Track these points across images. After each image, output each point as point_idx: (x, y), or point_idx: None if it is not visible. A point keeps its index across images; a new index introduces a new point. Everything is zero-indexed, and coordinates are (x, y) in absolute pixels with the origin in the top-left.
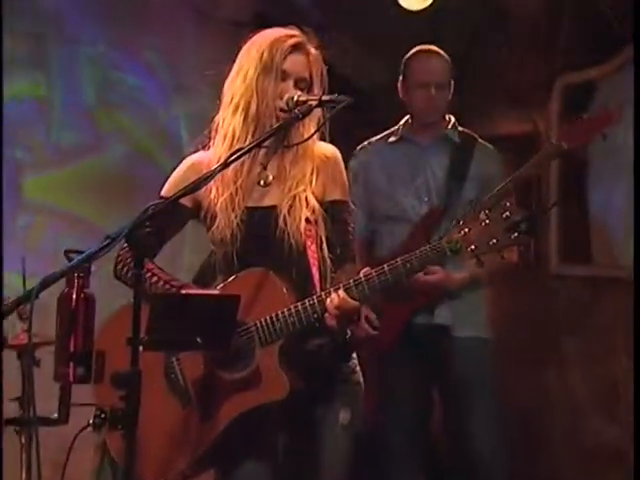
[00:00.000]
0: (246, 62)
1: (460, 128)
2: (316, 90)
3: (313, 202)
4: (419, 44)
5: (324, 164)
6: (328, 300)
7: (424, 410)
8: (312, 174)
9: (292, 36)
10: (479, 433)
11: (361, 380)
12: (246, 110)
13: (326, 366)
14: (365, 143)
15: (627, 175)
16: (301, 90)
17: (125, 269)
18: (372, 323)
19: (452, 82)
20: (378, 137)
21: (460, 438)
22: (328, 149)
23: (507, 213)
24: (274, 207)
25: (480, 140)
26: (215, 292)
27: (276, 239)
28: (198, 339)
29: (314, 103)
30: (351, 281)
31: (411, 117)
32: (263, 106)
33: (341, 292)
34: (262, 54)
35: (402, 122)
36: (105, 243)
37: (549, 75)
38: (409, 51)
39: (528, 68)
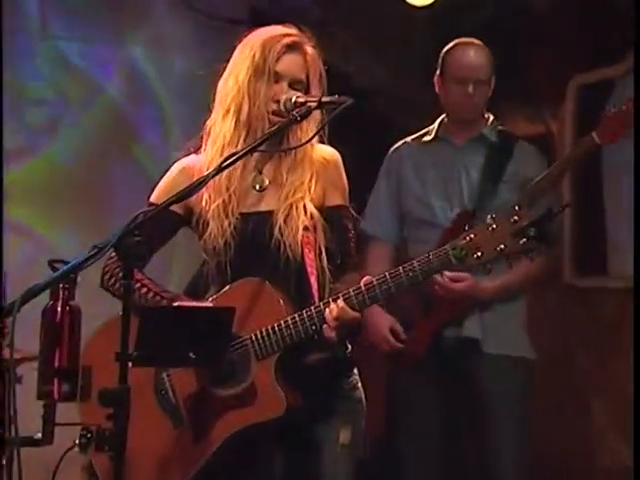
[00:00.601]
0: (238, 63)
1: (500, 127)
2: (314, 92)
3: (311, 209)
4: (424, 42)
5: (323, 168)
6: (327, 310)
7: (447, 428)
8: (311, 180)
9: (286, 35)
10: (502, 455)
11: (363, 397)
12: (237, 114)
13: (326, 382)
14: (400, 143)
15: None
16: (299, 91)
17: (113, 280)
18: (398, 336)
19: (493, 79)
20: (413, 137)
21: (482, 455)
22: (328, 152)
23: (515, 217)
24: (270, 212)
25: (521, 140)
26: (208, 304)
27: (272, 247)
28: (191, 354)
29: (313, 105)
30: (351, 290)
31: (447, 115)
32: (255, 109)
33: (340, 302)
34: (254, 55)
35: (438, 121)
36: (92, 252)
37: (562, 74)
38: (413, 50)
39: (540, 67)
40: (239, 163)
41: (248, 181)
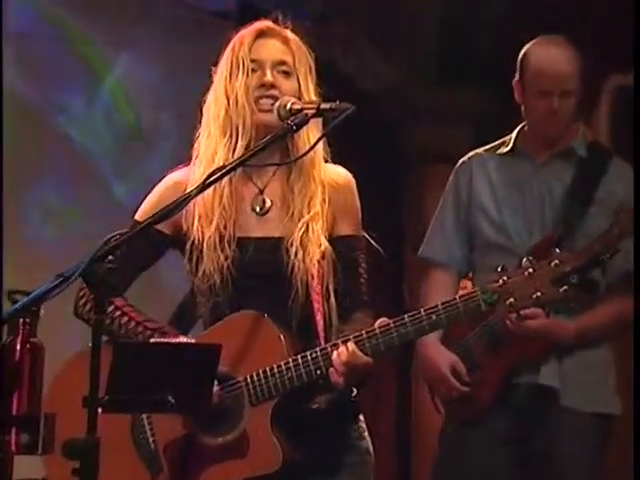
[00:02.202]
0: (217, 74)
1: (590, 139)
2: (301, 79)
3: (322, 236)
4: (438, 36)
5: (335, 191)
6: (335, 353)
7: None
8: (324, 201)
9: (259, 24)
10: None
11: (370, 447)
12: (221, 119)
13: (329, 431)
14: (471, 154)
15: None
16: (284, 75)
17: (89, 306)
18: (462, 378)
19: (583, 80)
20: (487, 147)
21: None
22: (339, 173)
23: (556, 261)
24: (279, 239)
25: (616, 157)
26: (191, 340)
27: (277, 277)
28: (170, 398)
29: (311, 112)
30: (363, 332)
31: (527, 125)
32: (238, 107)
33: (351, 344)
34: (228, 58)
35: (517, 129)
36: (57, 282)
37: (597, 76)
38: (422, 47)
39: None
40: (235, 179)
41: (247, 201)
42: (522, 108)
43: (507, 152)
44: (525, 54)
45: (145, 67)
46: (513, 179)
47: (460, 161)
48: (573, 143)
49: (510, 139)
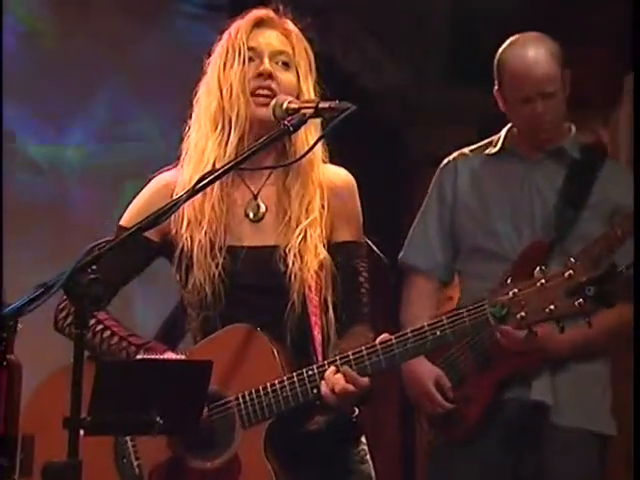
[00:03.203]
0: (211, 63)
1: (583, 140)
2: (301, 73)
3: (320, 244)
4: (445, 32)
5: (334, 194)
6: (327, 373)
7: None
8: (322, 206)
9: (258, 12)
10: None
11: (372, 472)
12: (213, 110)
13: (328, 454)
14: (456, 154)
15: None
16: (283, 67)
17: (70, 319)
18: (446, 394)
19: (567, 73)
20: (472, 147)
21: None
22: (339, 175)
23: (570, 272)
24: (274, 247)
25: (610, 158)
26: (179, 357)
27: (272, 289)
28: (158, 419)
29: (309, 112)
30: (363, 350)
31: (516, 129)
32: (232, 97)
33: (347, 369)
34: (224, 46)
35: (505, 129)
36: (36, 294)
37: (616, 72)
38: (427, 44)
39: (587, 63)
40: (227, 183)
41: (240, 206)
42: (509, 118)
43: (496, 152)
44: (500, 59)
45: None
46: (501, 180)
47: (444, 161)
48: (564, 143)
49: (498, 139)
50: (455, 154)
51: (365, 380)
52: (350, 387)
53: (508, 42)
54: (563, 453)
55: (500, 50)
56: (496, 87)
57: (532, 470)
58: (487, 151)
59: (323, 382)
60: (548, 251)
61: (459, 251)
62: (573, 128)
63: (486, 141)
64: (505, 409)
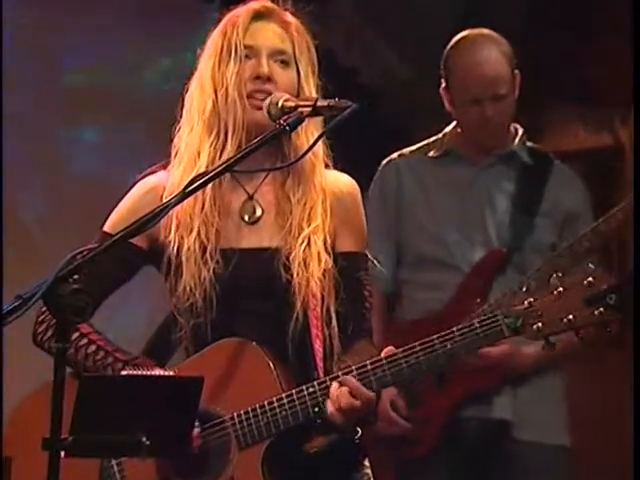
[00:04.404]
0: (204, 59)
1: (529, 143)
2: (302, 70)
3: (324, 252)
4: (451, 28)
5: (338, 201)
6: (332, 388)
7: None
8: (325, 212)
9: (255, 4)
10: None
11: None
12: (207, 114)
13: (329, 478)
14: (394, 155)
15: None
16: (282, 65)
17: (50, 332)
18: (401, 412)
19: (517, 76)
20: (413, 148)
21: None
22: (343, 181)
23: (590, 279)
24: (273, 251)
25: (557, 161)
26: (168, 373)
27: (271, 296)
28: (145, 440)
29: (307, 111)
30: (368, 364)
31: (462, 131)
32: (228, 102)
33: (352, 380)
34: (218, 41)
35: (447, 130)
36: (15, 305)
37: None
38: (437, 40)
39: (604, 59)
40: (222, 183)
41: (235, 208)
42: (455, 119)
43: (439, 155)
44: (448, 57)
45: None
46: (447, 184)
47: (383, 163)
48: (514, 147)
49: (440, 141)
50: (393, 156)
51: (371, 394)
52: (356, 402)
53: (457, 39)
54: (529, 469)
55: (449, 47)
56: (443, 85)
57: None
58: (431, 153)
59: (329, 401)
60: (504, 262)
61: (403, 260)
62: (520, 130)
63: (425, 142)
64: (464, 429)
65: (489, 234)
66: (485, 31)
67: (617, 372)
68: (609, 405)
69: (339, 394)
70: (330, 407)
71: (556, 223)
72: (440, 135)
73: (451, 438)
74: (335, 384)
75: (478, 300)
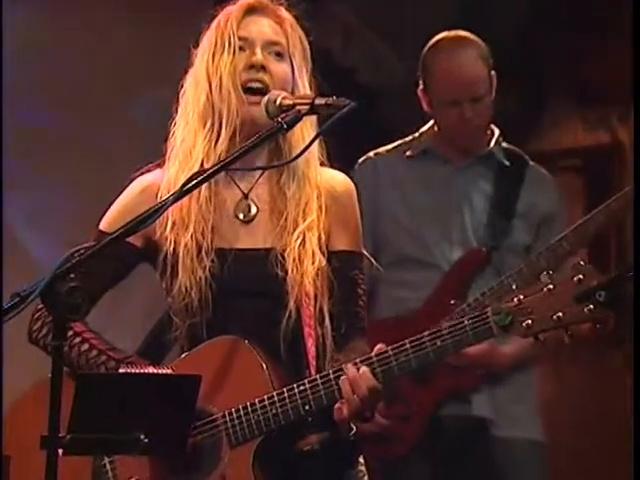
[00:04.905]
0: (198, 54)
1: (505, 144)
2: (295, 64)
3: (318, 250)
4: (450, 27)
5: (333, 199)
6: (351, 373)
7: None
8: (320, 209)
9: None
10: None
11: None
12: (201, 105)
13: (323, 476)
14: (370, 154)
15: None
16: (276, 57)
17: (45, 330)
18: (379, 410)
19: (494, 77)
20: (388, 147)
21: None
22: (338, 179)
23: (580, 276)
24: (267, 250)
25: (532, 163)
26: (166, 371)
27: (266, 295)
28: (142, 437)
29: (304, 109)
30: (357, 361)
31: (440, 131)
32: (222, 90)
33: (364, 368)
34: (212, 35)
35: (424, 130)
36: (12, 302)
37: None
38: (433, 35)
39: (603, 56)
40: (218, 182)
41: (229, 207)
42: (433, 120)
43: (417, 154)
44: (426, 60)
45: None
46: (425, 184)
47: (359, 162)
48: (492, 147)
49: (417, 140)
50: (370, 154)
51: (378, 384)
52: (377, 384)
53: (434, 41)
54: (507, 464)
55: (426, 49)
56: (421, 87)
57: None
58: (407, 152)
59: (344, 378)
60: (483, 262)
61: (380, 258)
62: (496, 131)
63: (401, 141)
64: (444, 426)
65: (467, 234)
66: (462, 33)
67: (616, 372)
68: (608, 404)
69: (360, 379)
70: (346, 386)
71: (532, 225)
72: (417, 134)
73: (432, 436)
74: (361, 370)
75: (453, 301)
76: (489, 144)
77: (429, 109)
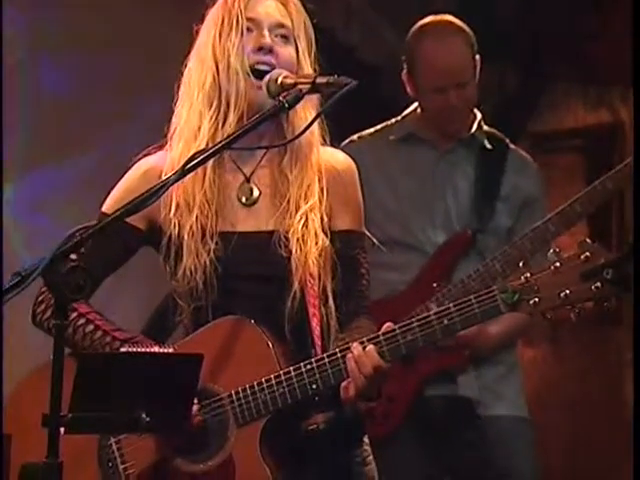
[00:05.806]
0: (203, 33)
1: (486, 128)
2: (300, 47)
3: (320, 232)
4: (453, 6)
5: (334, 180)
6: (356, 351)
7: None
8: (322, 190)
9: None
10: None
11: (376, 475)
12: (207, 87)
13: (329, 455)
14: (354, 137)
15: None
16: (282, 40)
17: (49, 312)
18: None
19: (478, 61)
20: (371, 131)
21: None
22: (339, 159)
23: (587, 254)
24: (270, 233)
25: (513, 146)
26: (168, 350)
27: (270, 277)
28: (144, 416)
29: (306, 88)
30: (364, 340)
31: (424, 115)
32: (230, 72)
33: (370, 347)
34: (218, 14)
35: (407, 113)
36: (13, 282)
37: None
38: (438, 10)
39: (605, 35)
40: (219, 164)
41: (231, 191)
42: (418, 105)
43: (401, 138)
44: (412, 45)
45: None
46: (409, 167)
47: (342, 145)
48: (475, 131)
49: (400, 123)
50: (353, 137)
51: (385, 363)
52: (384, 364)
53: (419, 26)
54: (496, 442)
55: (410, 34)
56: (405, 71)
57: (462, 462)
58: (391, 136)
59: (349, 356)
60: (467, 245)
61: None
62: (478, 115)
63: (384, 124)
64: (429, 406)
65: (451, 217)
66: (447, 17)
67: (616, 351)
68: (607, 383)
69: (366, 357)
70: (351, 364)
71: (514, 207)
72: (399, 117)
73: (419, 416)
74: (356, 348)
75: (436, 283)
76: (471, 128)
77: (413, 93)
